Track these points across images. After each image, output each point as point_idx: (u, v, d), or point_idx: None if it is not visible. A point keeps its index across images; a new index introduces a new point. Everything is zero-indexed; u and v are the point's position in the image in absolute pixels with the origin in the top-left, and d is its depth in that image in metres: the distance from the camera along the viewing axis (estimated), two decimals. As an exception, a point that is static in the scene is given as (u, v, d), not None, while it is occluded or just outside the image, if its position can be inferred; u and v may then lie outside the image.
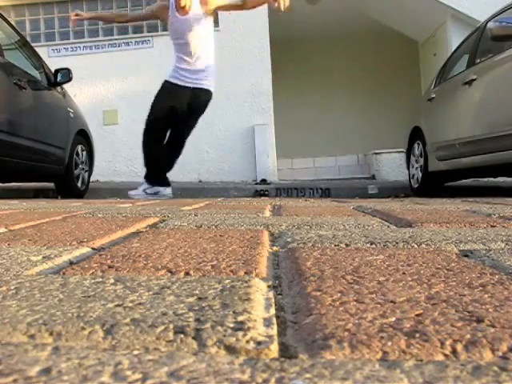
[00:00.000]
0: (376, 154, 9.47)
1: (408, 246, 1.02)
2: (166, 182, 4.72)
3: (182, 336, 0.48)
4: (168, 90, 4.52)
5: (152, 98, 4.56)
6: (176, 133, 4.61)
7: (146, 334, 0.49)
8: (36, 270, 0.81)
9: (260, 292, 0.65)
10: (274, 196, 6.40)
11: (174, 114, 4.47)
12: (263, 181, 8.12)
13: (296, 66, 11.26)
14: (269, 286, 0.69)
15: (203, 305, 0.58)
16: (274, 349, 0.46)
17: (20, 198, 4.88)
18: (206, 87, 4.54)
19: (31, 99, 4.55)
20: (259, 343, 0.47)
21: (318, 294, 0.63)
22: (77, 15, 4.68)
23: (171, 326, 0.50)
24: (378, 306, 0.58)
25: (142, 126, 4.65)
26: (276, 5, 4.23)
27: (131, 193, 4.64)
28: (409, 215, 1.70)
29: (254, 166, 8.63)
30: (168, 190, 4.68)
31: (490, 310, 0.56)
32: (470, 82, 4.63)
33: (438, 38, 9.32)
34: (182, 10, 4.38)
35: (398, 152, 8.62)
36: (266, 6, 8.81)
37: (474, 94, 4.64)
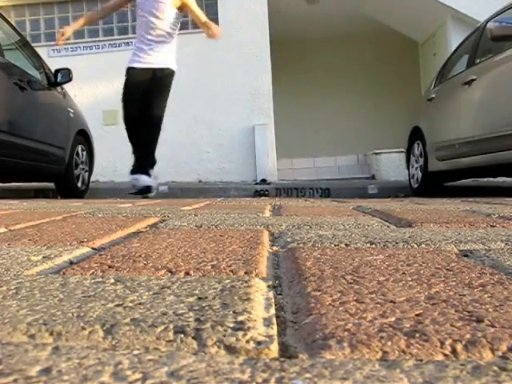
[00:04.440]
0: (376, 154, 9.47)
1: (408, 245, 1.03)
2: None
3: (182, 336, 0.48)
4: None
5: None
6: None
7: (146, 334, 0.49)
8: (36, 269, 0.81)
9: (260, 292, 0.65)
10: (274, 196, 6.40)
11: None
12: (263, 181, 8.12)
13: (296, 66, 11.26)
14: (269, 286, 0.69)
15: (203, 305, 0.58)
16: (274, 349, 0.46)
17: (20, 198, 4.88)
18: None
19: (31, 99, 4.54)
20: (259, 343, 0.47)
21: (318, 293, 0.63)
22: (63, 35, 4.59)
23: (171, 326, 0.50)
24: (378, 305, 0.58)
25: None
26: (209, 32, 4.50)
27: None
28: (409, 215, 1.70)
29: (254, 166, 8.63)
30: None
31: (490, 309, 0.56)
32: (469, 82, 4.63)
33: (437, 38, 9.32)
34: None
35: (398, 152, 8.62)
36: (265, 7, 8.84)
37: (473, 94, 4.64)
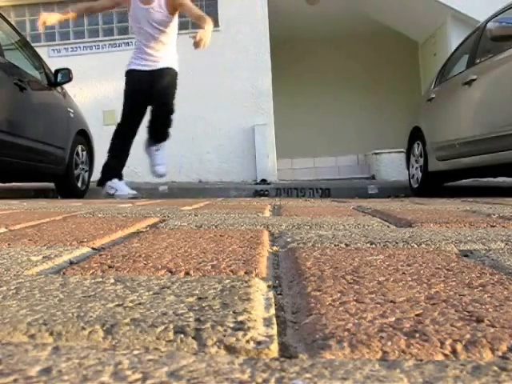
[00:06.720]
0: (376, 154, 9.48)
1: (408, 246, 1.02)
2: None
3: (181, 336, 0.48)
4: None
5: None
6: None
7: (146, 334, 0.49)
8: (36, 269, 0.81)
9: (260, 292, 0.65)
10: (274, 196, 6.40)
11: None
12: (263, 181, 8.12)
13: (296, 66, 11.26)
14: (269, 286, 0.69)
15: (203, 305, 0.58)
16: (274, 349, 0.46)
17: (20, 198, 4.88)
18: None
19: (31, 99, 4.54)
20: (259, 343, 0.47)
21: (318, 293, 0.63)
22: (44, 22, 4.39)
23: (171, 326, 0.50)
24: (378, 305, 0.58)
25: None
26: (196, 40, 4.11)
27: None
28: (409, 215, 1.70)
29: (254, 165, 8.63)
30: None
31: (490, 309, 0.56)
32: (469, 82, 4.63)
33: (437, 38, 9.32)
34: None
35: (398, 152, 8.62)
36: (265, 7, 8.84)
37: (473, 94, 4.63)
